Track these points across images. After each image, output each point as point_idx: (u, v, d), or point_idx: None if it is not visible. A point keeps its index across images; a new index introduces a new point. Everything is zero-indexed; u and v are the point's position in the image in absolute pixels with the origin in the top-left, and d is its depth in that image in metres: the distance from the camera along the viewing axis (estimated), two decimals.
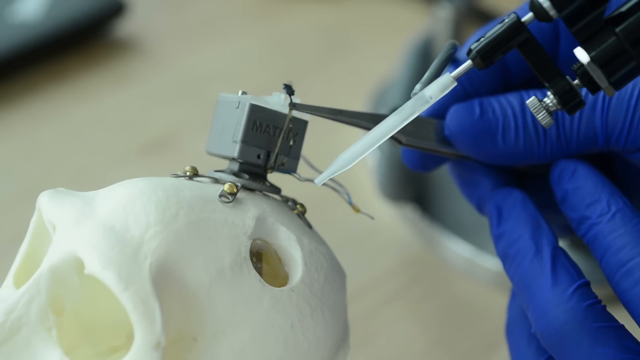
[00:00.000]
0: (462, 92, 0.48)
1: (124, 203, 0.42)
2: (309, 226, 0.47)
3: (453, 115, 0.48)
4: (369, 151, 0.43)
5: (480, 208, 0.50)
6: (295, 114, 0.46)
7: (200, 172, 0.46)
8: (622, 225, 0.44)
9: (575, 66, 0.43)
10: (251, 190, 0.46)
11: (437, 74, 0.45)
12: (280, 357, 0.42)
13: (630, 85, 0.46)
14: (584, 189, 0.46)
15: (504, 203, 0.48)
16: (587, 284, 0.44)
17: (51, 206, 0.42)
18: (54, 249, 0.42)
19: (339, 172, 0.43)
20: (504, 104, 0.48)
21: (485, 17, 0.83)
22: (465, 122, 0.47)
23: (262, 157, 0.45)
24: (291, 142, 0.46)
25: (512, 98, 0.48)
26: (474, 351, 0.63)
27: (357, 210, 0.49)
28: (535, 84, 0.50)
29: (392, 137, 0.47)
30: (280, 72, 0.84)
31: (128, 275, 0.40)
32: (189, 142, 0.76)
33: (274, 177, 0.47)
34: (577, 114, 0.47)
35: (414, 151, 0.50)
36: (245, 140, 0.45)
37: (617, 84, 0.43)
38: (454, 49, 0.45)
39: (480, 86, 0.49)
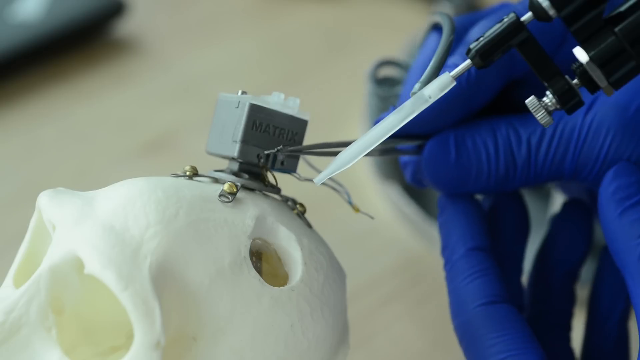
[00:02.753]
0: (465, 80, 0.48)
1: (123, 203, 0.42)
2: (309, 226, 0.47)
3: (429, 162, 0.48)
4: (368, 150, 0.43)
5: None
6: (295, 113, 0.46)
7: (200, 172, 0.46)
8: None
9: (574, 66, 0.43)
10: (251, 189, 0.46)
11: (438, 69, 0.44)
12: (280, 356, 0.42)
13: (603, 132, 0.47)
14: None
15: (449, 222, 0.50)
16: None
17: (51, 206, 0.42)
18: (54, 248, 0.42)
19: (338, 172, 0.43)
20: (478, 145, 0.48)
21: None
22: (441, 170, 0.48)
23: (262, 156, 0.45)
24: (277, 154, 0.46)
25: (486, 136, 0.48)
26: None
27: (356, 209, 0.49)
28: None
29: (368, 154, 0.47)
30: (280, 72, 0.84)
31: (128, 275, 0.40)
32: (189, 142, 0.76)
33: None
34: (550, 153, 0.47)
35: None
36: (245, 140, 0.45)
37: (617, 84, 0.43)
38: (453, 35, 0.45)
39: (484, 76, 0.48)
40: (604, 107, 0.47)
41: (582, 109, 0.47)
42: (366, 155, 0.46)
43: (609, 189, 0.45)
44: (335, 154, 0.44)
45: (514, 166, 0.48)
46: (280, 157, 0.46)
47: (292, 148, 0.45)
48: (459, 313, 0.47)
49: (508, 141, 0.48)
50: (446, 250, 0.49)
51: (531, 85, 0.50)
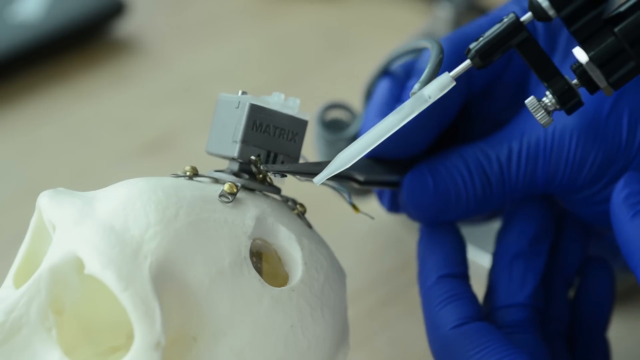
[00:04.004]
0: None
1: (123, 203, 0.42)
2: (309, 226, 0.47)
3: (409, 195, 0.49)
4: (368, 150, 0.43)
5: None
6: (296, 114, 0.46)
7: (200, 172, 0.46)
8: None
9: (574, 66, 0.43)
10: (251, 190, 0.46)
11: (436, 71, 0.45)
12: (280, 357, 0.42)
13: (567, 135, 0.48)
14: None
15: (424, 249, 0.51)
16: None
17: (51, 206, 0.43)
18: (54, 248, 0.42)
19: (338, 171, 0.43)
20: (451, 170, 0.49)
21: (485, 12, 0.83)
22: (423, 200, 0.49)
23: (262, 157, 0.45)
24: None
25: (457, 161, 0.49)
26: None
27: (356, 210, 0.49)
28: (496, 92, 0.52)
29: (349, 178, 0.48)
30: (280, 72, 0.84)
31: (128, 275, 0.40)
32: (189, 142, 0.76)
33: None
34: (521, 164, 0.49)
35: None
36: (245, 140, 0.45)
37: (616, 84, 0.43)
38: (443, 53, 0.46)
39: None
40: (564, 114, 0.47)
41: None
42: (345, 184, 0.47)
43: (620, 195, 0.46)
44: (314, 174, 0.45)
45: (489, 184, 0.49)
46: (280, 157, 0.46)
47: (284, 169, 0.45)
48: (434, 339, 0.48)
49: (478, 161, 0.49)
50: (420, 277, 0.50)
51: (480, 117, 0.52)
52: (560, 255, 0.52)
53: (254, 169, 0.45)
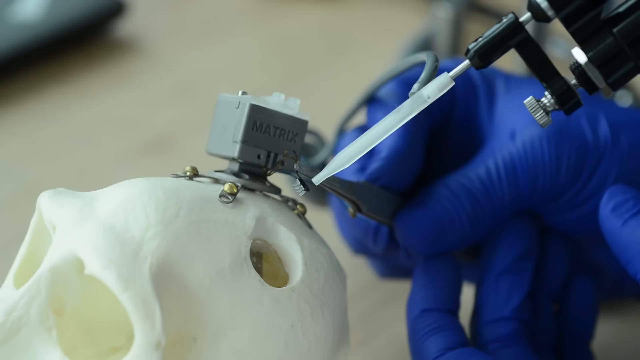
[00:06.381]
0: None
1: (124, 203, 0.42)
2: (309, 226, 0.47)
3: (403, 223, 0.50)
4: (367, 150, 0.43)
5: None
6: (296, 114, 0.46)
7: (200, 172, 0.46)
8: None
9: (572, 66, 0.43)
10: (251, 190, 0.46)
11: (434, 72, 0.45)
12: (280, 357, 0.43)
13: (537, 142, 0.49)
14: None
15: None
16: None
17: (51, 206, 0.43)
18: (54, 249, 0.42)
19: (337, 171, 0.43)
20: (437, 197, 0.50)
21: (485, 12, 0.83)
22: (418, 225, 0.49)
23: (262, 157, 0.45)
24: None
25: (441, 188, 0.50)
26: None
27: (354, 215, 0.49)
28: (448, 135, 0.53)
29: (352, 202, 0.48)
30: (280, 73, 0.84)
31: (128, 275, 0.40)
32: (189, 142, 0.76)
33: (274, 177, 0.47)
34: (502, 178, 0.50)
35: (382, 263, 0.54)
36: (245, 141, 0.45)
37: (615, 85, 0.43)
38: (438, 61, 0.46)
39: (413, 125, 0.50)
40: (526, 127, 0.50)
41: (507, 138, 0.50)
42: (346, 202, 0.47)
43: (607, 208, 0.46)
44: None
45: (477, 201, 0.49)
46: (280, 157, 0.46)
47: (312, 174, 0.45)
48: None
49: (461, 184, 0.50)
50: (407, 310, 0.50)
51: (443, 168, 0.53)
52: (545, 272, 0.53)
53: (293, 163, 0.45)
